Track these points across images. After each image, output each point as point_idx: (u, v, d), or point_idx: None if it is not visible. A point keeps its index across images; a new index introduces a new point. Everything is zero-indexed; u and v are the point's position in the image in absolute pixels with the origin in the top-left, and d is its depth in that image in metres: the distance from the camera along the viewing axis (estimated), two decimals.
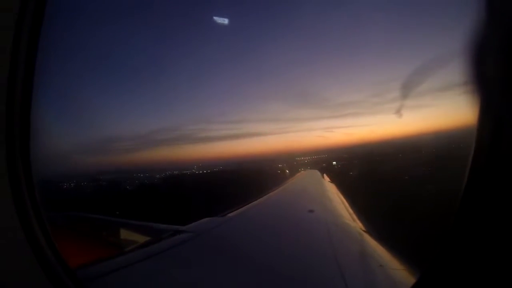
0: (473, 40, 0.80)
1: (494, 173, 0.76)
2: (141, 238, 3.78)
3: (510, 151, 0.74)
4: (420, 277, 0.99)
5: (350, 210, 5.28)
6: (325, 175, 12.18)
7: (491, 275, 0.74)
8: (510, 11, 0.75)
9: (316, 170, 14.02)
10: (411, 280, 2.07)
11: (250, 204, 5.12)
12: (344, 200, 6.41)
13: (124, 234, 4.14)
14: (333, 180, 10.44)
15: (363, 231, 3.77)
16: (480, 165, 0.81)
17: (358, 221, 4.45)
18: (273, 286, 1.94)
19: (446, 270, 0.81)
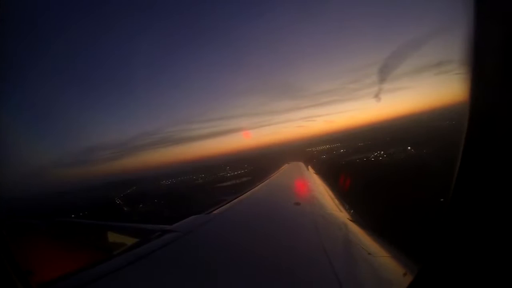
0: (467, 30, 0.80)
1: (488, 160, 0.77)
2: (128, 240, 3.67)
3: (504, 142, 0.75)
4: (418, 273, 1.02)
5: (336, 201, 5.44)
6: (309, 166, 12.42)
7: (489, 265, 0.77)
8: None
9: (301, 162, 14.23)
10: (399, 267, 2.18)
11: (235, 200, 5.11)
12: (330, 191, 6.58)
13: (111, 237, 4.01)
14: (317, 171, 10.67)
15: (350, 220, 3.90)
16: (473, 152, 0.81)
17: (344, 211, 4.59)
18: (263, 281, 1.96)
19: (445, 264, 0.84)
